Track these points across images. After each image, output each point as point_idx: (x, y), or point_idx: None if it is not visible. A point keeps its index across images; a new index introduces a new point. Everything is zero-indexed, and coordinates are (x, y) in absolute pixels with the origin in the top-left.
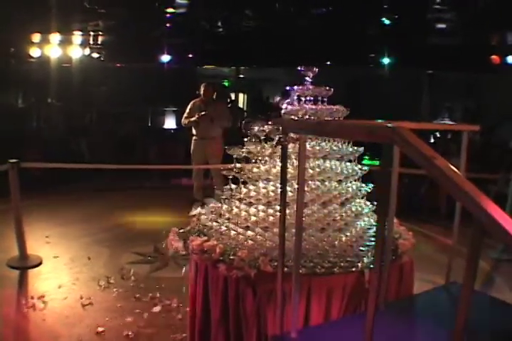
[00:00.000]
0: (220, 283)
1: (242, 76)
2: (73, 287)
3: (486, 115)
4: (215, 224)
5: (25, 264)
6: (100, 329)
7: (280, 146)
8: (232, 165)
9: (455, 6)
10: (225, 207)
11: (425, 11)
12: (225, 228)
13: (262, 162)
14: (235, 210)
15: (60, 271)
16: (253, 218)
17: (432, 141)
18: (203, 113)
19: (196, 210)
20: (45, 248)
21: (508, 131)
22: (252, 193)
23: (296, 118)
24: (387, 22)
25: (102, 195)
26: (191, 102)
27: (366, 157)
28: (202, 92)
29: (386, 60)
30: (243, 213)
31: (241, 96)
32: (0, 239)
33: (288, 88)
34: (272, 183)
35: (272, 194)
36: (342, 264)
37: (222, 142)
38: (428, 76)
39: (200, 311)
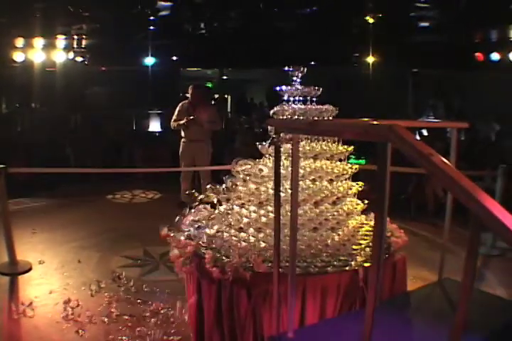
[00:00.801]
0: (213, 286)
1: (225, 77)
2: (64, 292)
3: (469, 112)
4: (207, 229)
5: (15, 270)
6: (94, 334)
7: (273, 146)
8: (222, 166)
9: (438, 3)
10: (218, 210)
11: (408, 9)
12: (214, 231)
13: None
14: (228, 212)
15: (51, 276)
16: (245, 219)
17: (418, 138)
18: (191, 117)
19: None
20: (34, 253)
21: (488, 127)
22: (243, 194)
23: (287, 118)
24: (370, 21)
25: (89, 200)
26: (180, 104)
27: (352, 156)
28: (190, 95)
29: (370, 59)
30: (236, 215)
31: (225, 97)
32: None
33: (278, 88)
34: (263, 183)
35: (263, 194)
36: (335, 263)
37: (210, 144)
38: (412, 74)
39: (193, 314)
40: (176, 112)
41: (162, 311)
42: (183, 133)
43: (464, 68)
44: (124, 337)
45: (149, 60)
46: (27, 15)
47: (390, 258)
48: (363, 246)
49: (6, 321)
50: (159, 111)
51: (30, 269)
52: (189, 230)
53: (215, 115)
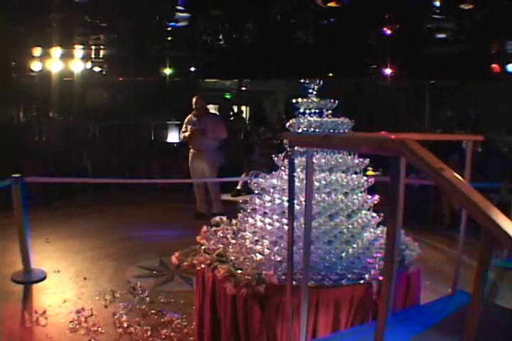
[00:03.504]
0: (228, 300)
1: (244, 88)
2: (78, 301)
3: (485, 124)
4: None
5: (29, 279)
6: None
7: (287, 159)
8: (239, 178)
9: (455, 15)
10: (233, 222)
11: (425, 20)
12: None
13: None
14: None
15: (65, 285)
16: (261, 232)
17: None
18: (194, 128)
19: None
20: (49, 262)
21: (502, 139)
22: (258, 207)
23: (302, 132)
24: (388, 32)
25: (105, 209)
26: (187, 116)
27: (369, 168)
28: (194, 105)
29: (388, 71)
30: (251, 228)
31: (243, 108)
32: (4, 254)
33: (293, 101)
34: (277, 196)
35: (278, 207)
36: (349, 276)
37: (217, 154)
38: (429, 86)
39: (208, 326)
40: (184, 124)
41: (176, 322)
42: (189, 144)
43: (480, 79)
44: None
45: (167, 71)
46: (44, 25)
47: (403, 271)
48: (377, 259)
49: (18, 329)
50: (177, 122)
51: (44, 278)
52: (206, 243)
53: (218, 123)
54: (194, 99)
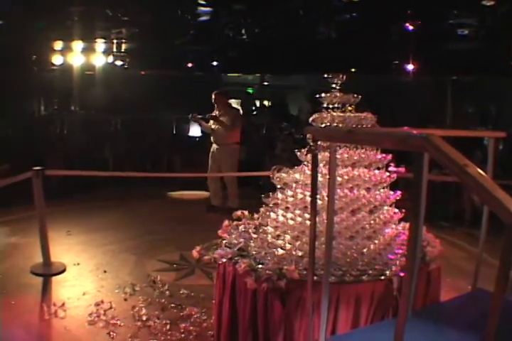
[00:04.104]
0: (248, 295)
1: (266, 83)
2: (97, 294)
3: (506, 120)
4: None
5: (49, 271)
6: (125, 337)
7: (310, 154)
8: (262, 173)
9: (476, 11)
10: (255, 217)
11: (447, 16)
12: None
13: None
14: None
15: (85, 278)
16: (283, 227)
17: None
18: (211, 114)
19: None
20: (69, 255)
21: None
22: (281, 202)
23: (325, 126)
24: (410, 28)
25: (127, 203)
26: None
27: (392, 164)
28: (213, 101)
29: (410, 67)
30: (273, 222)
31: (266, 103)
32: (24, 246)
33: (317, 96)
34: (299, 191)
35: (301, 202)
36: (370, 272)
37: (236, 149)
38: (451, 82)
39: (227, 321)
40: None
41: (195, 316)
42: (211, 138)
43: (501, 76)
44: None
45: (189, 65)
46: (65, 18)
47: (424, 268)
48: (398, 255)
49: (37, 321)
50: (199, 116)
51: (64, 271)
52: (227, 237)
53: (232, 118)
54: (213, 95)
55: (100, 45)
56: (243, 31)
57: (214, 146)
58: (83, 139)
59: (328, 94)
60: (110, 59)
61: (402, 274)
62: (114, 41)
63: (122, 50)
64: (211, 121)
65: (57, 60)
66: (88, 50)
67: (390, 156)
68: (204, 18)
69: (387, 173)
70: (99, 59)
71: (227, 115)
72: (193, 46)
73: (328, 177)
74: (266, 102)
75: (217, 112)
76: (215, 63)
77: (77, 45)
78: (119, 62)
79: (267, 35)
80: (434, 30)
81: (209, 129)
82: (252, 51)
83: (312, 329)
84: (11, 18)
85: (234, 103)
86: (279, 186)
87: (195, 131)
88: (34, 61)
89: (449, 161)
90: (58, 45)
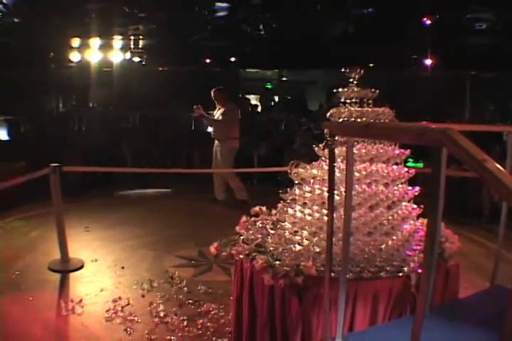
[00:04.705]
0: (265, 291)
1: (284, 79)
2: (115, 290)
3: None
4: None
5: (66, 267)
6: (142, 333)
7: (327, 149)
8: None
9: (493, 5)
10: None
11: (465, 10)
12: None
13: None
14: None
15: (103, 274)
16: (300, 222)
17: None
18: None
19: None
20: (87, 251)
21: None
22: (298, 197)
23: (343, 121)
24: (427, 22)
25: (145, 199)
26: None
27: (410, 159)
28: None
29: (428, 61)
30: (291, 218)
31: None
32: (41, 242)
33: (334, 91)
34: (317, 186)
35: (318, 198)
36: (388, 268)
37: (234, 144)
38: (470, 77)
39: (245, 317)
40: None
41: (213, 312)
42: (211, 133)
43: None
44: (172, 337)
45: (207, 61)
46: (82, 15)
47: (443, 265)
48: (417, 251)
49: (54, 318)
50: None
51: (82, 267)
52: (245, 233)
53: (226, 114)
54: (212, 92)
55: (118, 41)
56: (261, 26)
57: (216, 142)
58: (101, 136)
59: (346, 89)
60: (128, 55)
61: (420, 271)
62: (132, 38)
63: (140, 47)
64: (215, 115)
65: (74, 57)
66: (105, 46)
67: (408, 151)
68: (221, 13)
69: (406, 168)
70: (117, 55)
71: (227, 110)
72: (210, 42)
73: (345, 172)
74: (287, 97)
75: (218, 109)
76: (232, 59)
77: (95, 42)
78: (136, 59)
79: (285, 30)
80: (451, 25)
81: (213, 124)
82: (269, 46)
83: (329, 326)
84: (28, 17)
85: (253, 99)
86: (296, 181)
87: None
88: (51, 58)
89: (468, 156)
90: (75, 42)
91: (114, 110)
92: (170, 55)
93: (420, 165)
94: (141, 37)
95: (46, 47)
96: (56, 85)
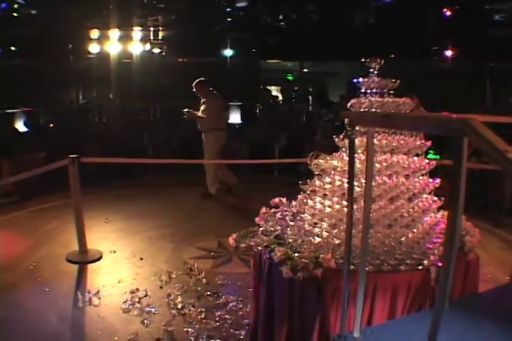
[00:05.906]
0: (284, 284)
1: (305, 70)
2: (133, 282)
3: None
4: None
5: (84, 259)
6: (159, 325)
7: (347, 140)
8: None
9: None
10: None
11: (484, 2)
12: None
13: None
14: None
15: (121, 265)
16: (320, 214)
17: None
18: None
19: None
20: (106, 242)
21: None
22: (318, 189)
23: (362, 111)
24: (447, 14)
25: (164, 190)
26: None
27: (431, 151)
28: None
29: (449, 53)
30: (310, 210)
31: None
32: (60, 234)
33: (354, 81)
34: (337, 177)
35: (338, 189)
36: (408, 261)
37: (216, 135)
38: (490, 69)
39: (263, 309)
40: None
41: (231, 304)
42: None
43: None
44: (189, 329)
45: (228, 52)
46: (101, 7)
47: (463, 258)
48: (437, 244)
49: (71, 309)
50: (239, 103)
51: (100, 258)
52: (264, 225)
53: (208, 106)
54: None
55: (137, 33)
56: (281, 17)
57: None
58: (122, 127)
59: (366, 79)
60: (147, 47)
61: (440, 264)
62: (151, 29)
63: (159, 38)
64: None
65: (93, 48)
66: (125, 38)
67: (429, 143)
68: (241, 4)
69: (427, 160)
70: (137, 47)
71: (207, 102)
72: (230, 33)
73: (366, 163)
74: (308, 89)
75: (202, 103)
76: (253, 50)
77: (114, 33)
78: (156, 50)
79: (305, 21)
80: (471, 16)
81: (200, 120)
82: (290, 37)
83: (347, 319)
84: (47, 8)
85: (274, 90)
86: (316, 173)
87: (234, 118)
88: (70, 50)
89: (489, 146)
90: (95, 33)
91: (134, 101)
92: (190, 46)
93: (438, 157)
94: (160, 28)
95: (65, 39)
96: (75, 77)
